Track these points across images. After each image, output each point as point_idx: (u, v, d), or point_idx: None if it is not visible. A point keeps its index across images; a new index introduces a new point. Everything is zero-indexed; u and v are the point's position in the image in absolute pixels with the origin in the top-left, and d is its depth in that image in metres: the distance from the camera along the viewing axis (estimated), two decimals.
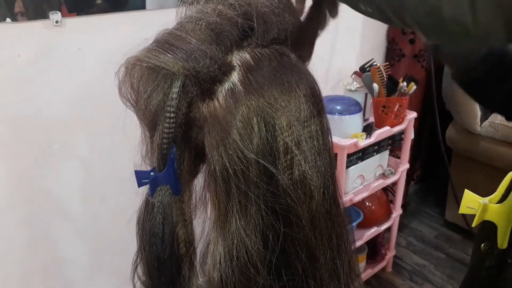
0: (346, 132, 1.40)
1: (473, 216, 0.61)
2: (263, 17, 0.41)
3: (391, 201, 1.83)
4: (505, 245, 0.60)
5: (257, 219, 0.39)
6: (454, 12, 0.35)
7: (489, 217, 0.59)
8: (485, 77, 0.65)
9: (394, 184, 1.75)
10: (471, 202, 0.59)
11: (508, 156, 1.76)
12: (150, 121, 0.41)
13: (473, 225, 0.60)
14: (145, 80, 0.40)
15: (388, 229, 1.82)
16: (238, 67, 0.40)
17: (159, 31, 0.42)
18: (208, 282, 0.42)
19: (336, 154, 1.38)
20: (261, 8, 0.41)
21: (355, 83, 1.57)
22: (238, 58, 0.41)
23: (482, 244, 0.62)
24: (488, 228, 0.60)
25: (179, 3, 0.45)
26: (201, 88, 0.39)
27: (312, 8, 0.49)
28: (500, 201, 0.59)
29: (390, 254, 1.89)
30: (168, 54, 0.38)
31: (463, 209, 0.60)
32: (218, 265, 0.40)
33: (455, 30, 0.36)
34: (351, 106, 1.44)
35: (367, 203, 1.71)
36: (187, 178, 0.43)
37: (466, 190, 0.60)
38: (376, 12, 0.42)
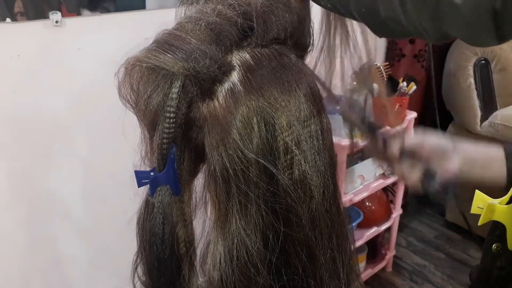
0: (346, 132, 1.40)
1: (475, 218, 0.61)
2: (263, 17, 0.41)
3: (391, 201, 1.83)
4: None
5: (257, 219, 0.39)
6: (389, 13, 0.39)
7: (497, 217, 0.59)
8: None
9: (394, 184, 1.75)
10: (481, 202, 0.60)
11: None
12: (150, 122, 0.41)
13: (479, 224, 0.60)
14: (145, 80, 0.40)
15: (388, 229, 1.82)
16: (238, 67, 0.40)
17: (159, 32, 0.42)
18: (208, 282, 0.42)
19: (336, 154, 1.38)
20: (260, 8, 0.41)
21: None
22: (238, 58, 0.41)
23: (494, 245, 0.63)
24: (500, 229, 0.60)
25: (178, 3, 0.45)
26: (201, 88, 0.39)
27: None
28: (509, 202, 0.59)
29: (390, 254, 1.88)
30: (168, 54, 0.38)
31: (474, 209, 0.60)
32: (218, 265, 0.40)
33: (394, 27, 0.41)
34: None
35: (367, 203, 1.71)
36: (187, 178, 0.43)
37: (476, 191, 0.61)
38: (333, 8, 0.47)
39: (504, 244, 0.61)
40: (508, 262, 0.63)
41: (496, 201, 0.59)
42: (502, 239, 0.61)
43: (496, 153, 0.68)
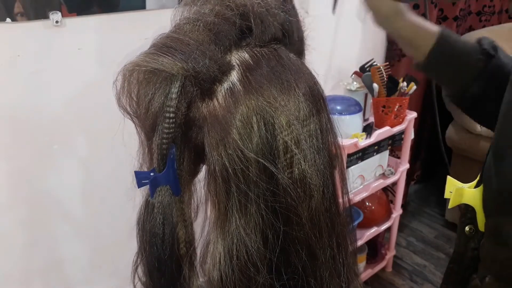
0: (346, 132, 1.41)
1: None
2: (260, 17, 0.41)
3: (391, 201, 1.83)
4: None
5: (257, 218, 0.39)
6: None
7: (466, 200, 0.62)
8: (482, 95, 0.66)
9: (394, 184, 1.75)
10: (452, 187, 0.62)
11: None
12: (151, 124, 0.41)
13: (449, 207, 0.64)
14: (145, 84, 0.40)
15: (388, 229, 1.82)
16: (237, 67, 0.40)
17: (156, 35, 0.42)
18: (208, 282, 0.42)
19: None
20: (257, 9, 0.41)
21: (355, 83, 1.58)
22: (237, 57, 0.41)
23: (466, 227, 0.65)
24: (471, 212, 0.63)
25: (178, 4, 0.45)
26: (201, 88, 0.39)
27: None
28: (477, 186, 0.61)
29: (390, 254, 1.89)
30: (167, 56, 0.38)
31: (447, 194, 0.64)
32: (218, 264, 0.40)
33: None
34: (351, 106, 1.44)
35: (367, 203, 1.71)
36: (187, 178, 0.43)
37: (448, 177, 0.63)
38: None
39: (476, 226, 0.63)
40: (479, 243, 0.64)
41: (465, 185, 0.62)
42: (474, 221, 0.63)
43: (434, 29, 0.71)
